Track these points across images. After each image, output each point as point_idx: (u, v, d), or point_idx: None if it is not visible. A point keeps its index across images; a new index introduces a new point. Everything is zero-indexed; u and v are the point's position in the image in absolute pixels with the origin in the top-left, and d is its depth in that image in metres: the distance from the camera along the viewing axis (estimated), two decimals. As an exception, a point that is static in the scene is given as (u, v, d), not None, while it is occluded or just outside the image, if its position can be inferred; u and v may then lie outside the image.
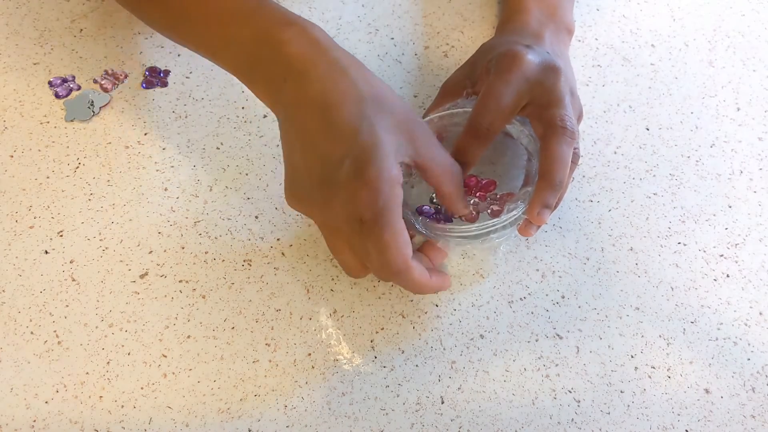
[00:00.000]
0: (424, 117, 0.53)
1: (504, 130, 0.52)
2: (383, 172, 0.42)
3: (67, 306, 0.50)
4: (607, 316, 0.50)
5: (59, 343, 0.49)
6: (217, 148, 0.58)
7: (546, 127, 0.49)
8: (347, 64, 0.45)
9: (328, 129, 0.43)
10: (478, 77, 0.52)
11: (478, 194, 0.51)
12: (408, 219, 0.48)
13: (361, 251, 0.44)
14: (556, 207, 0.50)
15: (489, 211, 0.50)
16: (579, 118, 0.53)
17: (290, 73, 0.45)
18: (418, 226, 0.48)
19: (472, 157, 0.49)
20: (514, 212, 0.48)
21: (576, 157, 0.51)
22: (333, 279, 0.52)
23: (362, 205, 0.42)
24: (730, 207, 0.56)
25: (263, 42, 0.46)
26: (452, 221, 0.49)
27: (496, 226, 0.48)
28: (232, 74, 0.50)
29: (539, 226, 0.49)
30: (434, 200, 0.51)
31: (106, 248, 0.53)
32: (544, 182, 0.47)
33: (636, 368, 0.48)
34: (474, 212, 0.50)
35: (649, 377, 0.48)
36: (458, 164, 0.48)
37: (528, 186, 0.50)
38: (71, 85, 0.61)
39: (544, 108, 0.50)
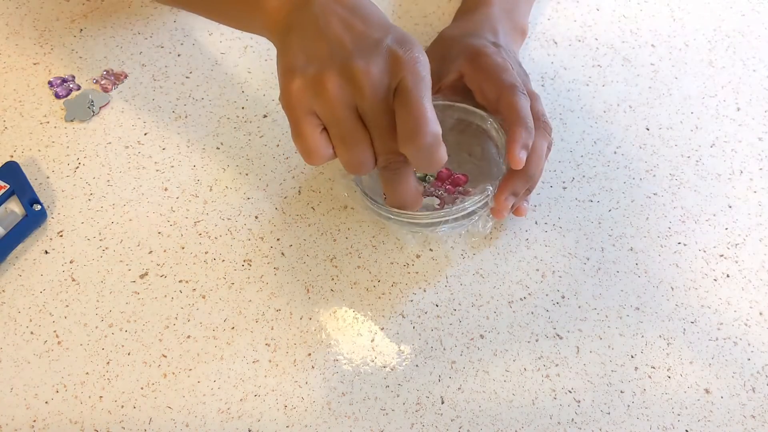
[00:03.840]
0: None
1: (476, 122, 0.54)
2: (423, 52, 0.43)
3: (67, 306, 0.50)
4: (607, 316, 0.50)
5: (59, 343, 0.49)
6: (217, 148, 0.58)
7: (501, 94, 0.50)
8: None
9: (363, 19, 0.43)
10: (447, 71, 0.54)
11: (447, 186, 0.52)
12: (364, 198, 0.50)
13: (383, 128, 0.43)
14: (526, 195, 0.51)
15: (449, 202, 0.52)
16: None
17: None
18: (370, 204, 0.49)
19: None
20: (466, 205, 0.49)
21: (549, 147, 0.52)
22: (333, 279, 0.52)
23: (403, 71, 0.42)
24: (730, 207, 0.56)
25: None
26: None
27: (447, 216, 0.49)
28: (233, 4, 0.49)
29: (509, 208, 0.50)
30: (417, 173, 0.53)
31: (106, 248, 0.53)
32: (517, 171, 0.49)
33: (636, 368, 0.48)
34: (441, 201, 0.52)
35: (649, 377, 0.48)
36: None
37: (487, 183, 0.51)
38: (71, 85, 0.61)
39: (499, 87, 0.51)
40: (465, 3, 0.63)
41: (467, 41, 0.55)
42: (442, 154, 0.43)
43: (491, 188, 0.49)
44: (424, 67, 0.43)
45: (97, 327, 0.50)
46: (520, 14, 0.61)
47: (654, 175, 0.57)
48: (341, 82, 0.42)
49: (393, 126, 0.43)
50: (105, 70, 0.62)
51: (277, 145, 0.58)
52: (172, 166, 0.57)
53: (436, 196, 0.52)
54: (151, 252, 0.53)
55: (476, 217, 0.50)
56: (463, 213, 0.49)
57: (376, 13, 0.45)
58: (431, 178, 0.53)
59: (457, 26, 0.60)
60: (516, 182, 0.49)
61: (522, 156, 0.48)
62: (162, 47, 0.64)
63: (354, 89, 0.42)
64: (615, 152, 0.59)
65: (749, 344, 0.49)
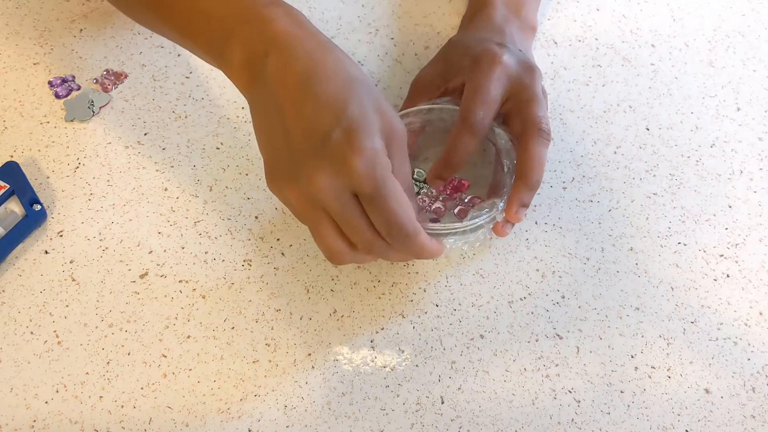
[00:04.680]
0: (399, 112, 0.54)
1: None
2: (375, 142, 0.41)
3: (67, 306, 0.50)
4: (607, 316, 0.50)
5: (59, 343, 0.49)
6: (217, 148, 0.58)
7: (524, 127, 0.50)
8: (333, 45, 0.44)
9: (315, 101, 0.41)
10: (453, 75, 0.54)
11: (449, 192, 0.53)
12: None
13: (352, 226, 0.42)
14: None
15: (455, 211, 0.52)
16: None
17: (274, 48, 0.43)
18: None
19: (464, 153, 0.50)
20: (476, 221, 0.49)
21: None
22: (333, 279, 0.52)
23: (358, 176, 0.40)
24: (730, 207, 0.56)
25: (245, 19, 0.44)
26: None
27: (456, 230, 0.49)
28: (200, 52, 0.48)
29: (513, 225, 0.52)
30: (415, 176, 0.53)
31: (106, 248, 0.53)
32: (522, 182, 0.49)
33: (636, 368, 0.48)
34: (443, 208, 0.52)
35: (649, 377, 0.48)
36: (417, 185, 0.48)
37: (495, 197, 0.51)
38: (71, 85, 0.61)
39: (523, 105, 0.51)
40: (469, 7, 0.62)
41: (472, 46, 0.54)
42: (422, 242, 0.43)
43: (501, 204, 0.49)
44: (378, 163, 0.40)
45: (97, 327, 0.50)
46: (528, 10, 0.61)
47: (654, 175, 0.57)
48: (300, 186, 0.41)
49: (363, 218, 0.42)
50: (105, 70, 0.62)
51: (277, 145, 0.58)
52: (172, 166, 0.57)
53: (437, 207, 0.52)
54: (151, 252, 0.53)
55: (483, 229, 0.50)
56: (472, 227, 0.49)
57: (331, 78, 0.42)
58: (426, 187, 0.53)
59: (464, 32, 0.59)
60: (524, 195, 0.49)
61: (520, 215, 0.49)
62: (162, 47, 0.64)
63: (312, 193, 0.41)
64: (615, 152, 0.59)
65: (749, 344, 0.49)
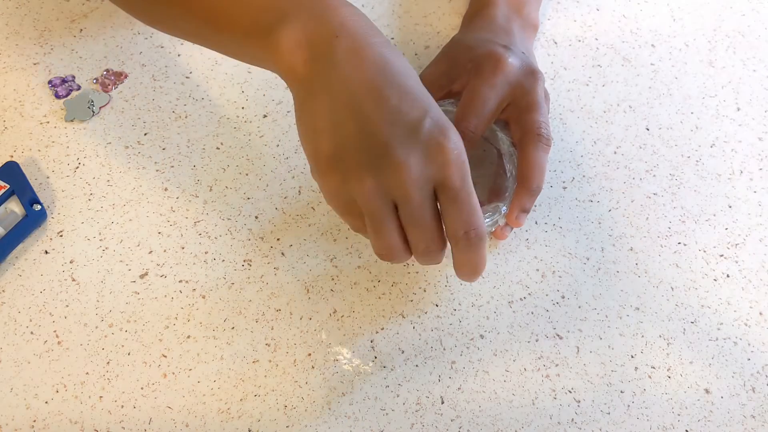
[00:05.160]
0: None
1: (484, 135, 0.53)
2: (461, 140, 0.40)
3: (67, 306, 0.50)
4: (607, 316, 0.50)
5: (59, 343, 0.49)
6: (217, 148, 0.58)
7: (525, 133, 0.50)
8: (393, 45, 0.43)
9: (399, 89, 0.39)
10: (457, 76, 0.54)
11: None
12: None
13: (423, 221, 0.40)
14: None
15: None
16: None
17: (344, 32, 0.40)
18: None
19: None
20: None
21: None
22: (333, 279, 0.52)
23: (453, 166, 0.39)
24: (730, 207, 0.56)
25: (306, 4, 0.42)
26: None
27: None
28: (235, 36, 0.45)
29: (512, 229, 0.52)
30: None
31: (106, 248, 0.53)
32: (523, 187, 0.49)
33: (636, 368, 0.48)
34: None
35: (649, 377, 0.48)
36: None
37: (497, 201, 0.51)
38: (71, 85, 0.61)
39: (523, 111, 0.51)
40: (471, 6, 0.62)
41: (477, 47, 0.54)
42: (484, 252, 0.42)
43: (504, 208, 0.50)
44: (465, 157, 0.40)
45: (97, 327, 0.50)
46: (530, 9, 0.60)
47: (654, 175, 0.57)
48: (377, 175, 0.39)
49: (435, 218, 0.41)
50: (105, 70, 0.62)
51: (277, 145, 0.58)
52: (172, 166, 0.57)
53: None
54: (151, 252, 0.53)
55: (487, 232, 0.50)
56: None
57: (408, 73, 0.41)
58: None
59: (466, 31, 0.59)
60: (525, 200, 0.49)
61: (520, 220, 0.49)
62: (162, 47, 0.64)
63: (392, 183, 0.39)
64: (615, 152, 0.59)
65: (749, 344, 0.49)
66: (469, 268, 0.44)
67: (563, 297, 0.51)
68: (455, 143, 0.40)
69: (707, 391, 0.48)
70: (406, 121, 0.39)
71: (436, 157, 0.39)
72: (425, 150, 0.39)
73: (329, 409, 0.47)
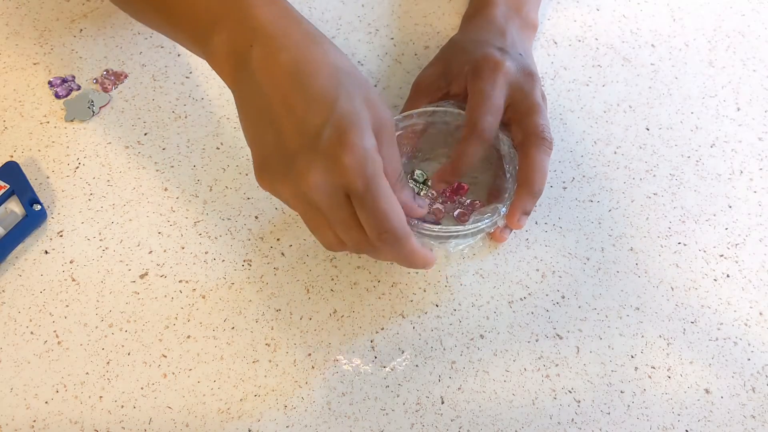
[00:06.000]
0: (403, 113, 0.54)
1: None
2: (366, 139, 0.40)
3: (67, 306, 0.50)
4: (607, 316, 0.50)
5: (59, 343, 0.49)
6: (217, 148, 0.58)
7: (527, 136, 0.50)
8: (319, 35, 0.43)
9: (304, 96, 0.40)
10: (454, 78, 0.54)
11: (448, 194, 0.53)
12: None
13: (343, 224, 0.42)
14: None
15: (455, 214, 0.52)
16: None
17: (258, 39, 0.41)
18: None
19: (472, 159, 0.50)
20: (479, 224, 0.49)
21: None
22: (333, 279, 0.52)
23: (350, 174, 0.39)
24: (730, 207, 0.56)
25: (229, 8, 0.43)
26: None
27: (459, 233, 0.49)
28: (186, 42, 0.47)
29: (511, 230, 0.53)
30: (415, 176, 0.53)
31: (106, 248, 0.53)
32: (524, 190, 0.49)
33: (636, 368, 0.48)
34: (442, 209, 0.52)
35: (649, 377, 0.48)
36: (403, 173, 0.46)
37: (496, 202, 0.51)
38: (71, 85, 0.61)
39: (524, 114, 0.51)
40: (471, 5, 0.62)
41: (473, 50, 0.54)
42: (411, 248, 0.43)
43: (503, 209, 0.50)
44: (370, 161, 0.40)
45: (97, 327, 0.50)
46: (530, 9, 0.61)
47: (654, 175, 0.57)
48: (291, 184, 0.40)
49: (352, 220, 0.42)
50: (105, 70, 0.62)
51: (277, 145, 0.58)
52: (172, 166, 0.57)
53: (436, 209, 0.52)
54: (151, 252, 0.53)
55: (484, 233, 0.50)
56: (475, 230, 0.49)
57: (319, 71, 0.41)
58: (425, 188, 0.53)
59: (464, 32, 0.59)
60: (526, 203, 0.49)
61: (521, 222, 0.50)
62: (162, 47, 0.64)
63: (303, 191, 0.40)
64: (615, 152, 0.59)
65: (749, 344, 0.49)
66: (404, 263, 0.45)
67: (563, 297, 0.51)
68: (356, 146, 0.39)
69: (707, 391, 0.48)
70: (310, 129, 0.40)
71: (335, 166, 0.39)
72: (324, 159, 0.40)
73: (329, 409, 0.47)
